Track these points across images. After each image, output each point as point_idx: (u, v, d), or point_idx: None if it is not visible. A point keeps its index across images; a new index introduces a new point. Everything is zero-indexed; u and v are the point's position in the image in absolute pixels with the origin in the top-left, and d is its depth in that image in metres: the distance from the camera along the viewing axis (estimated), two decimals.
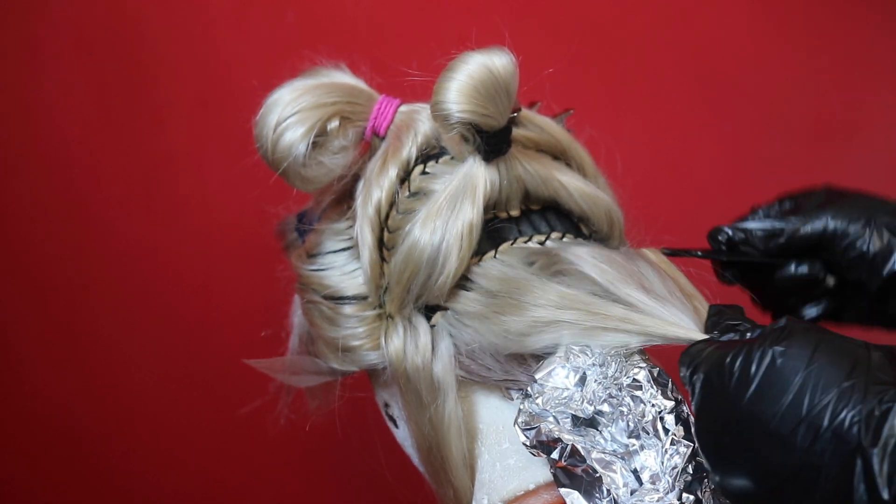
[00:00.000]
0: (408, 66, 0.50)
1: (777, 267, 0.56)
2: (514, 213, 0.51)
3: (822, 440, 0.34)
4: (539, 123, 0.52)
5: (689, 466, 0.41)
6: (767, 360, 0.36)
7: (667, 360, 0.48)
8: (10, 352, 1.03)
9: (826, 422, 0.34)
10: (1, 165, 0.98)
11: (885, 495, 0.32)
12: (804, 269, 0.55)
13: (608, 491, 0.40)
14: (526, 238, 0.50)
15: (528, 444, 0.43)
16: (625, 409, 0.43)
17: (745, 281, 0.59)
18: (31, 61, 0.95)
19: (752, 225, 0.55)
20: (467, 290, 0.48)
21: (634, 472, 0.41)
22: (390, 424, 0.57)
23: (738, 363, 0.37)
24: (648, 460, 0.41)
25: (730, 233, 0.56)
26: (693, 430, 0.41)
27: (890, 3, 1.00)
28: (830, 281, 0.56)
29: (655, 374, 0.44)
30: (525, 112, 0.52)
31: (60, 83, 0.96)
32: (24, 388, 1.04)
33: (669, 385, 0.44)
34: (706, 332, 0.43)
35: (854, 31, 1.00)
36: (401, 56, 0.51)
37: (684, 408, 0.43)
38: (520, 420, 0.44)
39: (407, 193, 0.49)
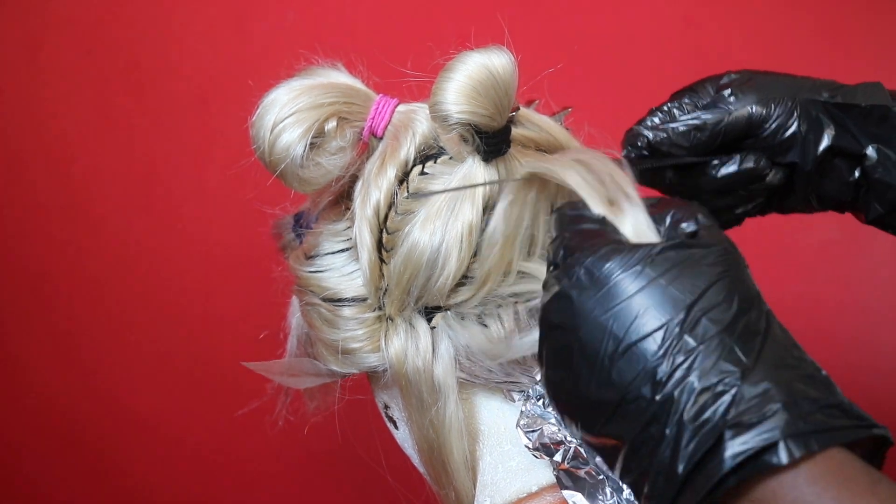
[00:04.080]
0: (406, 66, 0.50)
1: (708, 166, 0.52)
2: None
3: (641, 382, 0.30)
4: (538, 122, 0.52)
5: None
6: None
7: None
8: (9, 353, 1.03)
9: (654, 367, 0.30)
10: (1, 165, 0.97)
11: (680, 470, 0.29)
12: (750, 163, 0.51)
13: (612, 493, 0.40)
14: None
15: (530, 446, 0.43)
16: None
17: (671, 188, 0.55)
18: (32, 61, 0.94)
19: (672, 123, 0.51)
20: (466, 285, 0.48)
21: None
22: (390, 426, 0.56)
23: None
24: None
25: (650, 136, 0.51)
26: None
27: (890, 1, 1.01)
28: (776, 177, 0.52)
29: None
30: (524, 111, 0.52)
31: (61, 83, 0.95)
32: (22, 389, 1.03)
33: None
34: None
35: (854, 29, 1.00)
36: (398, 55, 0.51)
37: None
38: (521, 422, 0.43)
39: (406, 194, 0.48)
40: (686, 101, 0.53)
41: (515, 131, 0.49)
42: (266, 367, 0.55)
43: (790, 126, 0.49)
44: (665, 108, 0.53)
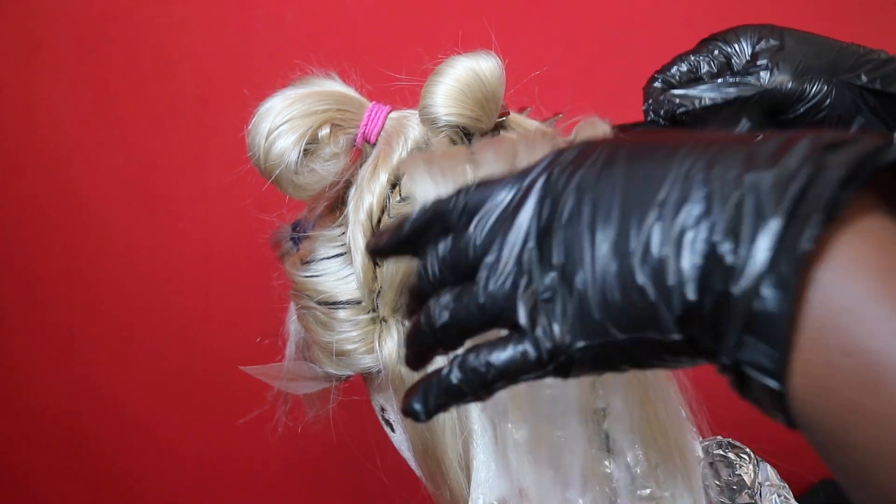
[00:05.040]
0: (398, 71, 0.51)
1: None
2: None
3: None
4: (527, 126, 0.53)
5: None
6: None
7: None
8: (7, 357, 1.03)
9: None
10: (1, 165, 0.99)
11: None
12: None
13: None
14: None
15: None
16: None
17: None
18: (31, 61, 0.96)
19: (701, 93, 0.47)
20: None
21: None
22: (387, 429, 0.57)
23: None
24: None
25: (674, 107, 0.48)
26: None
27: (889, 3, 1.01)
28: None
29: None
30: (514, 116, 0.53)
31: (60, 83, 0.97)
32: (20, 393, 1.04)
33: None
34: None
35: (856, 27, 1.01)
36: (391, 62, 0.52)
37: None
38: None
39: (398, 198, 0.49)
40: (716, 53, 0.50)
41: (505, 135, 0.50)
42: (264, 371, 0.56)
43: (822, 110, 0.47)
44: (692, 59, 0.50)
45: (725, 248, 0.24)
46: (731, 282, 0.24)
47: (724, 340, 0.25)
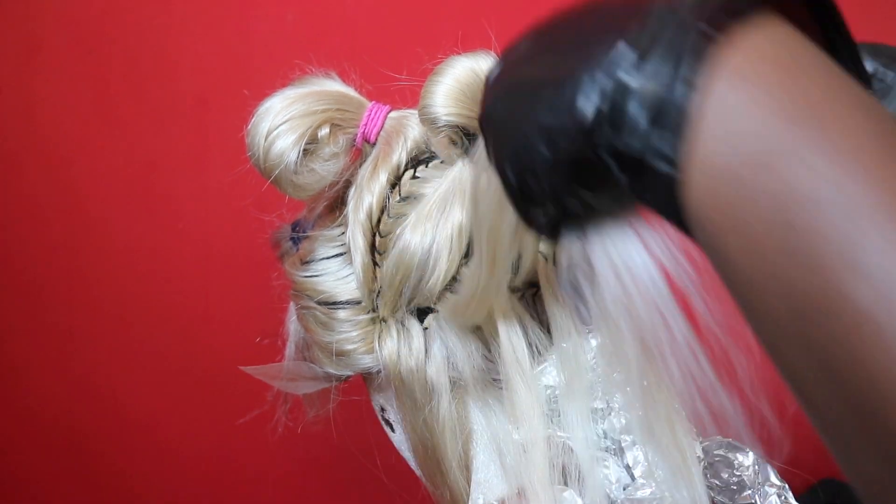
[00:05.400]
0: (397, 72, 0.51)
1: None
2: None
3: None
4: None
5: None
6: None
7: None
8: (7, 357, 1.03)
9: None
10: (1, 165, 0.99)
11: None
12: None
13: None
14: None
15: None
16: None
17: None
18: (31, 61, 0.96)
19: None
20: (454, 293, 0.49)
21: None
22: (387, 429, 0.57)
23: None
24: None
25: None
26: None
27: (889, 3, 1.01)
28: None
29: None
30: None
31: (60, 83, 0.97)
32: (19, 393, 1.04)
33: None
34: None
35: (857, 27, 1.01)
36: (391, 62, 0.52)
37: None
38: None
39: (398, 198, 0.49)
40: None
41: None
42: (264, 371, 0.56)
43: None
44: None
45: (626, 43, 0.25)
46: (638, 73, 0.24)
47: (634, 131, 0.24)
